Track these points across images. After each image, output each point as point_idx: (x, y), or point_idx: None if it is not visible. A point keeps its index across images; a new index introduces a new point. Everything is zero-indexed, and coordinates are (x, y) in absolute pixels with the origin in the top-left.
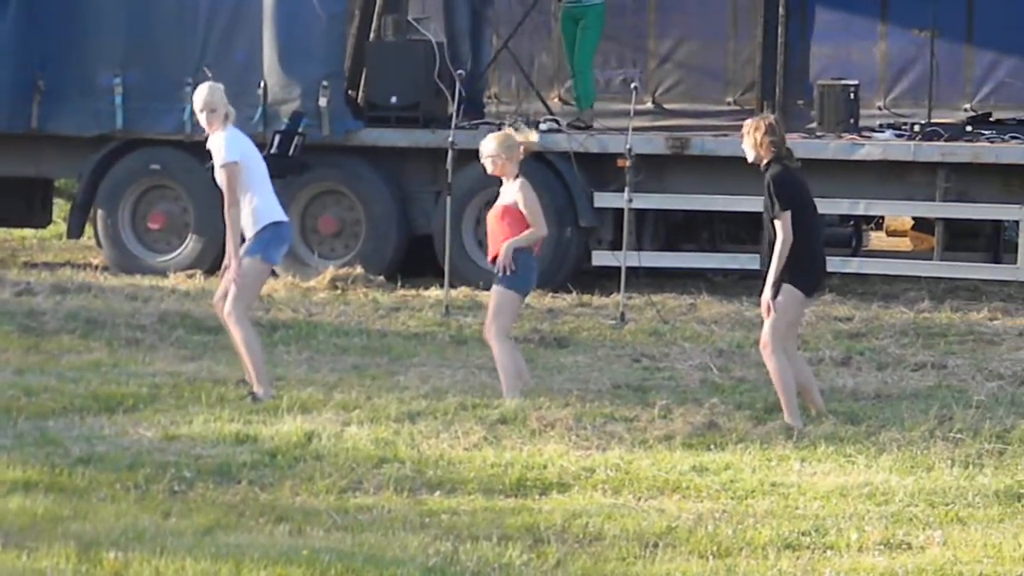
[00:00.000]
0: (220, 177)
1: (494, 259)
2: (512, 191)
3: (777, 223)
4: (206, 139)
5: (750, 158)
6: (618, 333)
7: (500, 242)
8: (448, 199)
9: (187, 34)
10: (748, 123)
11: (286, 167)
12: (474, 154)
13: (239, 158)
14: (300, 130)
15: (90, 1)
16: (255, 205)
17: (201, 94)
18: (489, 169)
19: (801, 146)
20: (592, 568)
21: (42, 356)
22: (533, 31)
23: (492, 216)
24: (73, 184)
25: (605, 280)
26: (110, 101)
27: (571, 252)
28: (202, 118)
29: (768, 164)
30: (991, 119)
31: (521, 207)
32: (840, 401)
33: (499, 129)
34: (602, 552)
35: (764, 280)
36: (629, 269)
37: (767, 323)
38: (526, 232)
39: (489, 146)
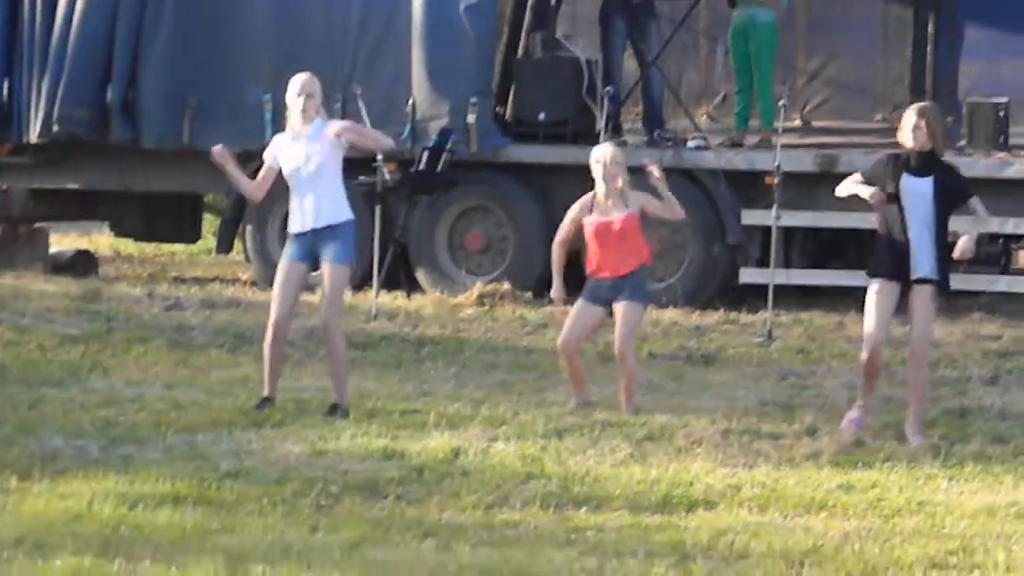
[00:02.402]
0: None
1: (620, 275)
2: (633, 200)
3: (974, 209)
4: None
5: (927, 146)
6: (765, 351)
7: (628, 256)
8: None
9: (336, 51)
10: (919, 111)
11: (434, 183)
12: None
13: None
14: (448, 147)
15: (240, 19)
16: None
17: (301, 78)
18: (611, 179)
19: None
20: None
21: (191, 371)
22: (681, 48)
23: (606, 232)
24: (222, 200)
25: (753, 297)
26: (259, 118)
27: (719, 269)
28: (299, 103)
29: (935, 153)
30: None
31: (649, 207)
32: (987, 420)
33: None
34: (748, 570)
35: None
36: (777, 286)
37: (928, 325)
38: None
39: (615, 153)
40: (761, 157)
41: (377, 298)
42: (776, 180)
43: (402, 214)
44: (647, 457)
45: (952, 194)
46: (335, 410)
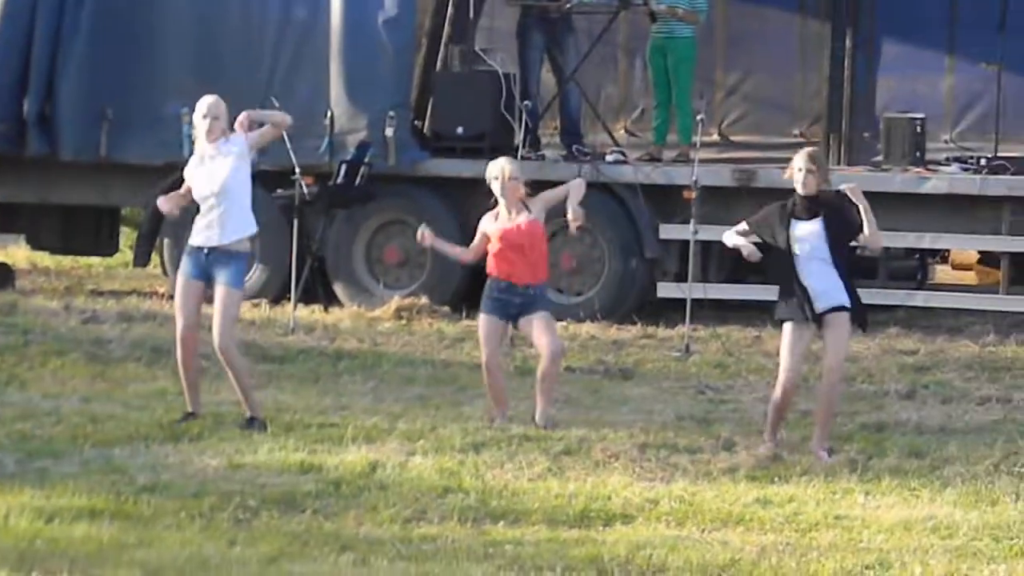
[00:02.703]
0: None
1: (527, 284)
2: (535, 206)
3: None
4: (254, 165)
5: (813, 192)
6: (683, 365)
7: (536, 266)
8: None
9: (254, 64)
10: (808, 156)
11: (352, 197)
12: (542, 184)
13: None
14: (366, 160)
15: (157, 31)
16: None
17: (207, 100)
18: (510, 194)
19: (867, 179)
20: None
21: (108, 384)
22: (600, 62)
23: (511, 240)
24: (139, 213)
25: (670, 312)
26: (177, 130)
27: (636, 283)
28: (204, 124)
29: (820, 195)
30: None
31: (548, 201)
32: (904, 435)
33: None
34: None
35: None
36: (694, 301)
37: (841, 349)
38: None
39: (510, 170)
40: (679, 172)
41: (295, 311)
42: (694, 194)
43: (320, 227)
44: (565, 471)
45: (843, 231)
46: (252, 423)
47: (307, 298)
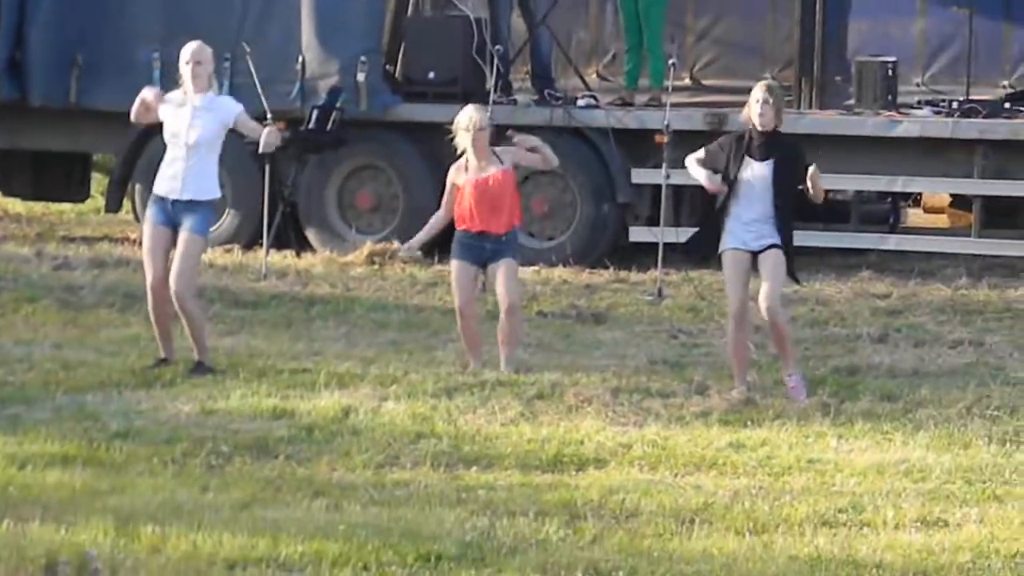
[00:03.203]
0: (242, 123)
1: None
2: (506, 156)
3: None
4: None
5: (769, 126)
6: (655, 309)
7: (506, 214)
8: None
9: (225, 9)
10: (767, 88)
11: (323, 142)
12: (512, 129)
13: None
14: (338, 105)
15: None
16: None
17: (191, 46)
18: (479, 144)
19: (839, 123)
20: (628, 544)
21: (80, 330)
22: (571, 7)
23: (483, 191)
24: (111, 159)
25: (642, 256)
26: (148, 76)
27: (608, 228)
28: (187, 70)
29: (779, 131)
30: None
31: (521, 159)
32: (877, 378)
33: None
34: (638, 528)
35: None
36: (666, 245)
37: (775, 281)
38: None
39: (478, 119)
40: (651, 116)
41: (267, 257)
42: (666, 139)
43: (291, 173)
44: (537, 416)
45: (790, 180)
46: (200, 368)
47: (279, 243)
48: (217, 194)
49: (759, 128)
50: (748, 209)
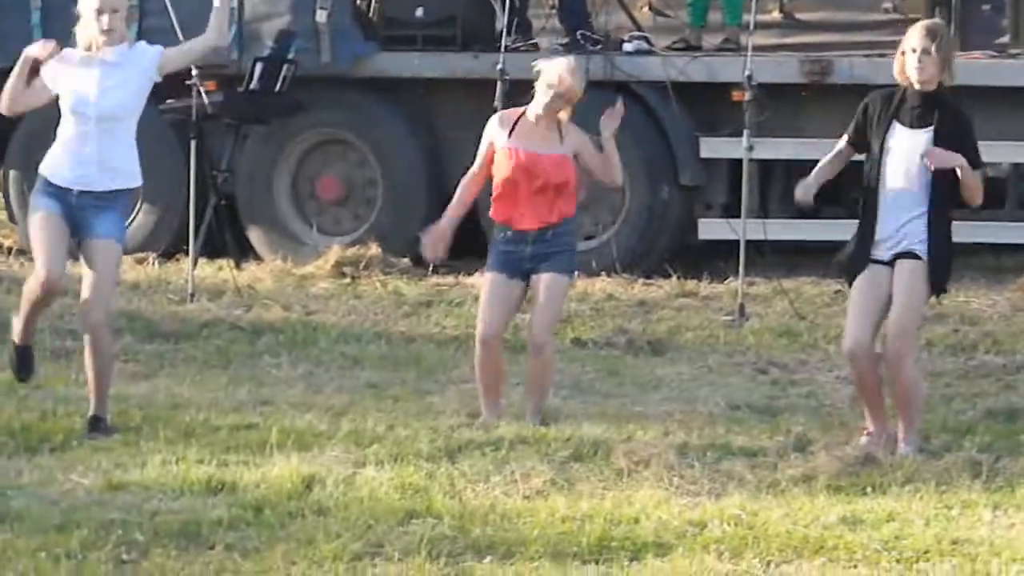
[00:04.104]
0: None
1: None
2: (571, 137)
3: (970, 177)
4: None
5: (932, 83)
6: (736, 334)
7: (555, 203)
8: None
9: None
10: (926, 31)
11: (271, 108)
12: (528, 85)
13: None
14: (290, 57)
15: None
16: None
17: None
18: (554, 106)
19: (989, 70)
20: None
21: None
22: None
23: (533, 166)
24: None
25: (717, 259)
26: (26, 21)
27: (669, 221)
28: (101, 22)
29: (942, 94)
30: None
31: (585, 157)
32: None
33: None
34: None
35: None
36: (751, 244)
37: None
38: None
39: (569, 81)
40: (726, 65)
41: (194, 270)
42: (747, 96)
43: (227, 152)
44: (575, 485)
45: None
46: (98, 425)
47: (211, 251)
48: (139, 181)
49: (917, 86)
50: (896, 198)
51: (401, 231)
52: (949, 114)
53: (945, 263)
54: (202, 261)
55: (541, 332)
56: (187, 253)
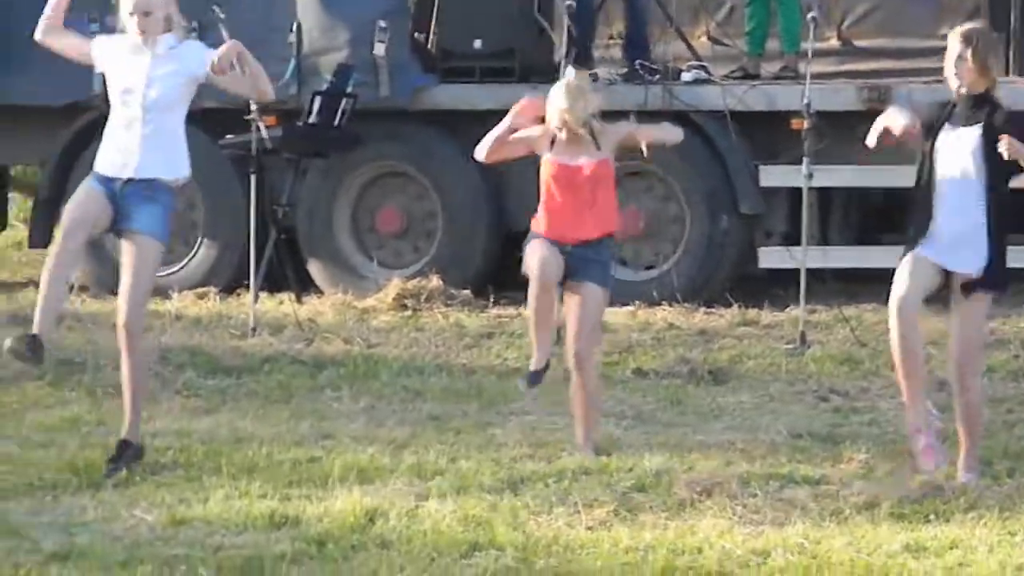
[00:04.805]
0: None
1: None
2: (608, 138)
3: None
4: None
5: (977, 86)
6: (797, 362)
7: (594, 216)
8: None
9: None
10: (963, 37)
11: (331, 142)
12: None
13: None
14: (349, 90)
15: None
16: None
17: None
18: (570, 121)
19: None
20: None
21: None
22: None
23: (568, 182)
24: (35, 173)
25: (777, 288)
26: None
27: (729, 250)
28: (131, 24)
29: (991, 95)
30: None
31: (630, 138)
32: None
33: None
34: None
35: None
36: (811, 272)
37: (969, 332)
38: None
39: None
40: (785, 92)
41: (256, 304)
42: (806, 124)
43: (287, 186)
44: (637, 515)
45: (1006, 162)
46: (125, 451)
47: (273, 285)
48: (186, 172)
49: (963, 92)
50: (948, 200)
51: (461, 263)
52: (997, 111)
53: (1003, 269)
54: (263, 295)
55: (581, 346)
56: (248, 287)
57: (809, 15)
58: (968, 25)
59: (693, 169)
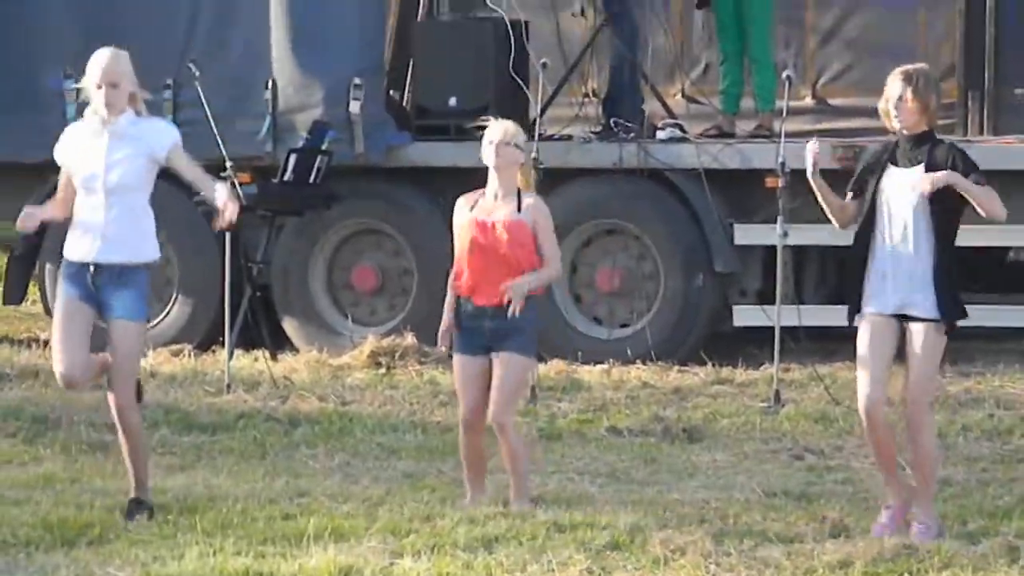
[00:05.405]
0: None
1: (500, 304)
2: (527, 207)
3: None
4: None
5: (916, 126)
6: (772, 420)
7: (505, 276)
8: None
9: (165, 17)
10: (904, 77)
11: (306, 199)
12: (562, 174)
13: None
14: (324, 147)
15: None
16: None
17: (101, 59)
18: (498, 161)
19: (1021, 154)
20: None
21: None
22: (646, 2)
23: (481, 240)
24: (9, 229)
25: (752, 346)
26: (60, 112)
27: (704, 308)
28: (99, 96)
29: (932, 134)
30: None
31: (539, 231)
32: None
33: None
34: None
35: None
36: (786, 330)
37: (922, 370)
38: (544, 271)
39: (511, 132)
40: (759, 151)
41: (231, 361)
42: (781, 182)
43: (262, 243)
44: (611, 573)
45: (952, 200)
46: (139, 508)
47: (247, 342)
48: (155, 255)
49: (904, 132)
50: (892, 244)
51: (436, 321)
52: (940, 147)
53: (955, 302)
54: (238, 352)
55: (497, 414)
56: (223, 344)
57: (784, 73)
58: (908, 66)
59: (668, 227)
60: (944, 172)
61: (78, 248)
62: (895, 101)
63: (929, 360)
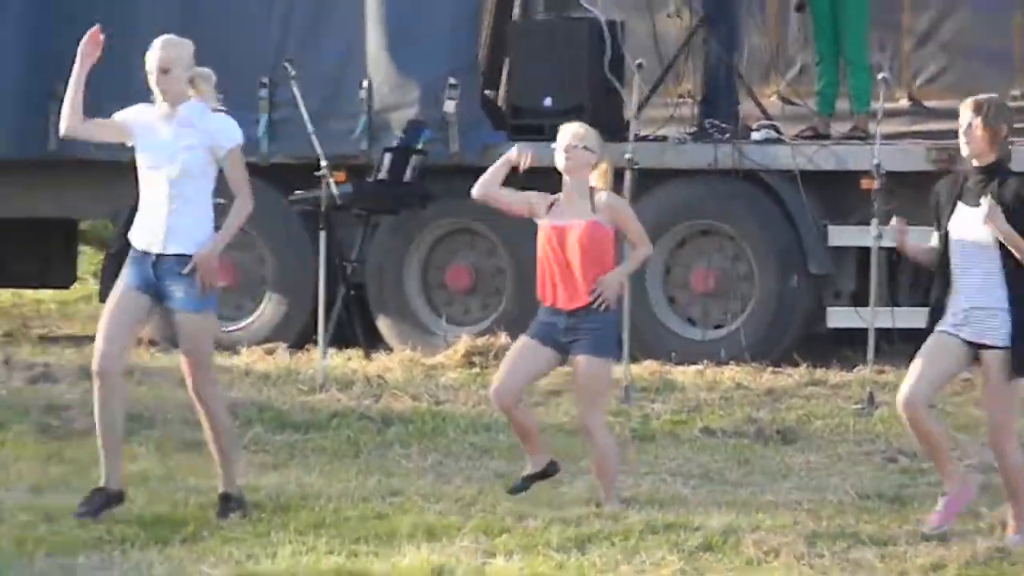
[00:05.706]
0: (231, 164)
1: (586, 305)
2: (600, 205)
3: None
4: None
5: (985, 157)
6: (865, 422)
7: (588, 282)
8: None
9: (260, 18)
10: (974, 106)
11: (400, 198)
12: (657, 175)
13: None
14: (419, 147)
15: None
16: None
17: (155, 48)
18: (568, 164)
19: None
20: None
21: (66, 467)
22: (741, 4)
23: (558, 240)
24: (106, 227)
25: (846, 348)
26: (43, 117)
27: (798, 310)
28: (151, 81)
29: (1001, 166)
30: None
31: (620, 223)
32: None
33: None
34: None
35: None
36: (880, 332)
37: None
38: (635, 255)
39: (580, 134)
40: (854, 153)
41: (324, 360)
42: (876, 184)
43: (357, 242)
44: (704, 574)
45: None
46: (229, 503)
47: (341, 341)
48: (212, 231)
49: (972, 162)
50: (966, 277)
51: (529, 320)
52: (1008, 181)
53: None
54: (332, 351)
55: (582, 417)
56: (317, 343)
57: (880, 75)
58: (981, 95)
59: (762, 228)
60: (999, 218)
61: (142, 236)
62: (964, 129)
63: (1003, 389)
